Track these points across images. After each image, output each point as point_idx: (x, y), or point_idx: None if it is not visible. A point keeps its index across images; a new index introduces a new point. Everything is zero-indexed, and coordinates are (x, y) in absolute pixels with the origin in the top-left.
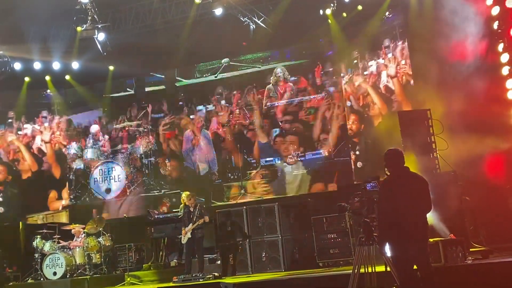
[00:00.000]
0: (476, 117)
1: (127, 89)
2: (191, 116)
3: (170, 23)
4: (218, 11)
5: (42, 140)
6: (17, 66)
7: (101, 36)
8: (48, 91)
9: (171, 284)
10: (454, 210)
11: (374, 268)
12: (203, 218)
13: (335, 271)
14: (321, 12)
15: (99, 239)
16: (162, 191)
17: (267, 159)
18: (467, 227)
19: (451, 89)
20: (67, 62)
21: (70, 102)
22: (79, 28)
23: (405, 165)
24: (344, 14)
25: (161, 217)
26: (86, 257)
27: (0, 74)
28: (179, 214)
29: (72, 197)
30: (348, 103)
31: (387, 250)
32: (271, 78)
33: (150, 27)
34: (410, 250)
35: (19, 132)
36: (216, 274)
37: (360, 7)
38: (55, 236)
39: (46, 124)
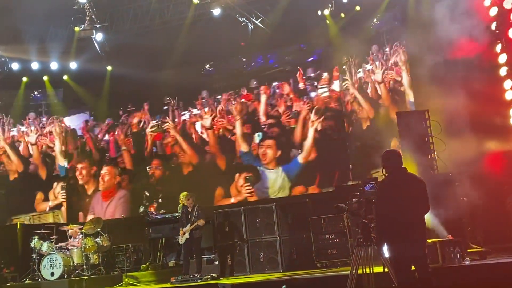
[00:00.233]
0: (474, 118)
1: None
2: (176, 120)
3: (168, 23)
4: (216, 12)
5: (28, 142)
6: (15, 66)
7: (99, 36)
8: (36, 92)
9: (169, 284)
10: (451, 211)
11: (372, 269)
12: (201, 219)
13: (333, 271)
14: (319, 13)
15: (97, 240)
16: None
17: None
18: (465, 228)
19: (449, 90)
20: (65, 63)
21: (61, 103)
22: (77, 28)
23: (403, 166)
24: (342, 15)
25: (159, 217)
26: (84, 258)
27: None
28: (177, 214)
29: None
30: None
31: (385, 251)
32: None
33: (148, 28)
34: (408, 251)
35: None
36: (214, 274)
37: (358, 8)
38: (52, 237)
39: (33, 127)
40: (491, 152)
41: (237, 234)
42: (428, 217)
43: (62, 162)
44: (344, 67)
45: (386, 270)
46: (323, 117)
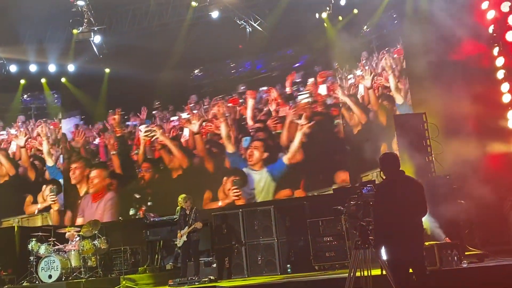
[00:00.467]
0: (471, 120)
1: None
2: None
3: (166, 25)
4: (215, 14)
5: (17, 145)
6: (13, 68)
7: (97, 39)
8: (25, 96)
9: (166, 287)
10: (449, 214)
11: (370, 272)
12: (199, 222)
13: (331, 274)
14: (317, 15)
15: (94, 242)
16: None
17: (237, 166)
18: (462, 231)
19: (447, 92)
20: (63, 65)
21: (54, 106)
22: (75, 31)
23: (400, 168)
24: (340, 18)
25: (156, 220)
26: (81, 260)
27: None
28: (174, 217)
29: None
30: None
31: (383, 253)
32: None
33: (146, 30)
34: (405, 253)
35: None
36: (211, 277)
37: (356, 11)
38: (50, 239)
39: (22, 129)
40: (489, 155)
41: (235, 237)
42: (426, 220)
43: (50, 163)
44: (336, 73)
45: (384, 272)
46: (313, 122)
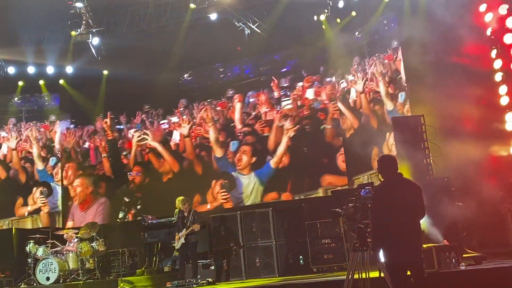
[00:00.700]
0: (469, 123)
1: None
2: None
3: (164, 27)
4: (213, 16)
5: (8, 148)
6: (11, 70)
7: (95, 41)
8: (16, 98)
9: None
10: (447, 216)
11: (368, 274)
12: (196, 224)
13: (329, 276)
14: (315, 18)
15: (92, 244)
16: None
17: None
18: (460, 233)
19: (445, 95)
20: (61, 66)
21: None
22: (73, 33)
23: (398, 171)
24: (338, 20)
25: (154, 222)
26: (79, 262)
27: None
28: (173, 219)
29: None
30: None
31: (381, 255)
32: None
33: (144, 32)
34: (403, 256)
35: None
36: (210, 279)
37: (354, 13)
38: (48, 241)
39: (14, 132)
40: (487, 157)
41: (233, 239)
42: (424, 222)
43: (40, 166)
44: (329, 78)
45: (382, 275)
46: (298, 126)
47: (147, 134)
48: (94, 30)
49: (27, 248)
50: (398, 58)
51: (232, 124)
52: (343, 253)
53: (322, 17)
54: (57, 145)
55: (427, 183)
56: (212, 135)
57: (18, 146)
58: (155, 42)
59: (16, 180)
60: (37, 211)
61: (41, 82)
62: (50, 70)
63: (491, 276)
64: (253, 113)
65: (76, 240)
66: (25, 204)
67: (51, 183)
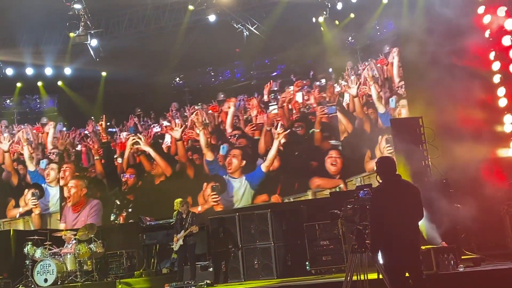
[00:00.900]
0: (467, 124)
1: None
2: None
3: (163, 29)
4: (212, 18)
5: (1, 150)
6: (9, 71)
7: (93, 42)
8: (8, 101)
9: None
10: (446, 218)
11: (367, 276)
12: (194, 226)
13: (327, 278)
14: (313, 20)
15: (90, 246)
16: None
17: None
18: (459, 235)
19: (443, 96)
20: (59, 68)
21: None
22: (71, 34)
23: (397, 172)
24: (337, 22)
25: (153, 223)
26: (77, 264)
27: None
28: (171, 221)
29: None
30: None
31: (380, 257)
32: None
33: (143, 33)
34: (402, 257)
35: None
36: (208, 281)
37: (352, 15)
38: (46, 243)
39: (6, 134)
40: (485, 159)
41: (232, 241)
42: (422, 224)
43: (32, 168)
44: (319, 82)
45: (381, 276)
46: (288, 130)
47: (140, 138)
48: (92, 32)
49: (25, 250)
50: (390, 62)
51: (223, 128)
52: (342, 254)
53: (321, 19)
54: (49, 147)
55: (426, 185)
56: (202, 139)
57: (11, 148)
58: (154, 44)
59: (9, 182)
60: (29, 212)
61: (40, 83)
62: (48, 71)
63: (489, 278)
64: (244, 117)
65: (74, 241)
66: (17, 205)
67: (42, 185)
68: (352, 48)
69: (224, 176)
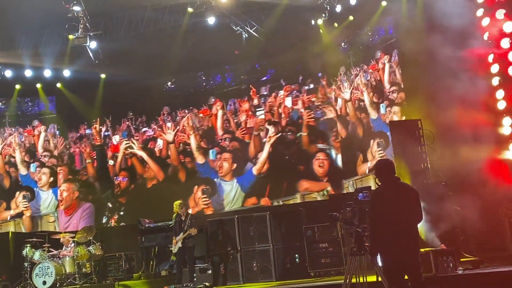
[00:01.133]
0: (466, 127)
1: None
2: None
3: (162, 31)
4: (211, 20)
5: None
6: (8, 73)
7: (93, 44)
8: (0, 104)
9: None
10: (445, 220)
11: (366, 278)
12: (193, 228)
13: (326, 280)
14: (312, 22)
15: (89, 248)
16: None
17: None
18: (458, 237)
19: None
20: (58, 70)
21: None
22: (70, 36)
23: (395, 175)
24: (336, 24)
25: (152, 226)
26: (76, 266)
27: None
28: (170, 223)
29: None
30: None
31: (379, 260)
32: None
33: (142, 36)
34: (401, 260)
35: None
36: (207, 283)
37: (351, 18)
38: (45, 245)
39: None
40: (484, 161)
41: (231, 243)
42: (421, 227)
43: (23, 171)
44: (307, 86)
45: (380, 279)
46: (280, 134)
47: (133, 143)
48: (91, 34)
49: (24, 252)
50: (381, 68)
51: (213, 131)
52: (341, 257)
53: (320, 21)
54: (40, 150)
55: (425, 187)
56: (193, 142)
57: (2, 151)
58: (153, 46)
59: (0, 184)
60: (20, 215)
61: (38, 85)
62: (47, 73)
63: (488, 280)
64: (234, 121)
65: (73, 244)
66: (8, 208)
67: (34, 188)
68: (345, 53)
69: (215, 179)
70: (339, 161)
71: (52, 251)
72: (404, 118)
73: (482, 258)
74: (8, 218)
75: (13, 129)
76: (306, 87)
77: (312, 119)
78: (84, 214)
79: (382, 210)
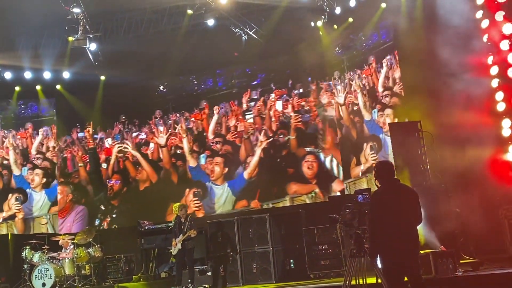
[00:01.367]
0: (466, 129)
1: None
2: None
3: (162, 33)
4: (211, 22)
5: None
6: (8, 75)
7: (92, 46)
8: None
9: None
10: (444, 222)
11: (365, 280)
12: (193, 230)
13: (326, 282)
14: (312, 24)
15: (88, 250)
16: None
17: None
18: (457, 239)
19: (442, 101)
20: (58, 72)
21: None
22: (70, 38)
23: (395, 177)
24: (335, 27)
25: (151, 228)
26: (75, 268)
27: None
28: (170, 225)
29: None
30: None
31: (378, 261)
32: None
33: (142, 37)
34: (400, 262)
35: None
36: (206, 285)
37: (351, 19)
38: (44, 247)
39: None
40: (483, 163)
41: (230, 245)
42: (421, 228)
43: (17, 172)
44: (297, 90)
45: (379, 281)
46: (271, 138)
47: (127, 145)
48: (91, 36)
49: (23, 254)
50: (374, 72)
51: (204, 136)
52: (340, 259)
53: (319, 23)
54: (33, 152)
55: (424, 189)
56: (186, 145)
57: None
58: (152, 48)
59: None
60: (12, 217)
61: (38, 87)
62: (47, 75)
63: (488, 282)
64: (225, 124)
65: (72, 246)
66: (0, 210)
67: (27, 190)
68: (339, 58)
69: (207, 183)
70: (334, 164)
71: (52, 253)
72: (396, 120)
73: (482, 260)
74: (1, 220)
75: (5, 132)
76: (296, 91)
77: (300, 122)
78: (77, 217)
79: (381, 211)
